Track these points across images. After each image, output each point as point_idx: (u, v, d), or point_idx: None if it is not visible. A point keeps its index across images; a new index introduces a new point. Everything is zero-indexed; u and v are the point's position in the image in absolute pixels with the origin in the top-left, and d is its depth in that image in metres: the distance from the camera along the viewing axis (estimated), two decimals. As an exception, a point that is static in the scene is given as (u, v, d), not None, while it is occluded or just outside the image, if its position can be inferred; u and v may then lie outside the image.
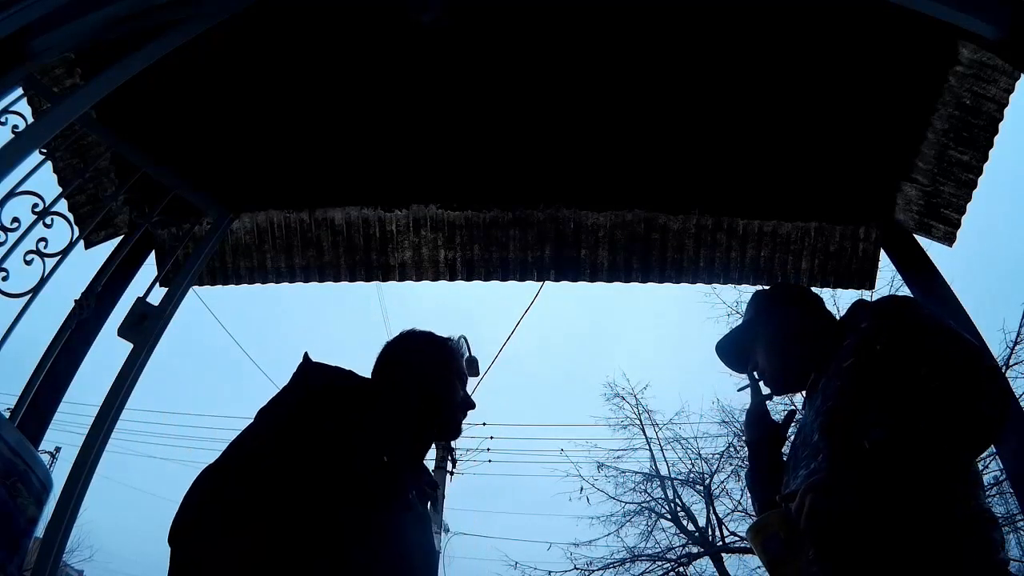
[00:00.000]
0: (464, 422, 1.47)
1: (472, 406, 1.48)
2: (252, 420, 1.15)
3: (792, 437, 1.43)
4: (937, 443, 1.04)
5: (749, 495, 1.51)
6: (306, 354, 1.30)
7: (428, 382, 1.38)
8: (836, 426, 1.20)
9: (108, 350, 2.51)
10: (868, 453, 1.06)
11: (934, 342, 1.14)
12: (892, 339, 1.19)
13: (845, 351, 1.28)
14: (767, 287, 1.69)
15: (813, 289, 1.76)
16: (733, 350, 1.61)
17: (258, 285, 2.95)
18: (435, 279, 2.90)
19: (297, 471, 1.02)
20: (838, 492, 1.07)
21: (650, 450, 11.62)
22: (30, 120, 1.90)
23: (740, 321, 1.64)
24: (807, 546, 1.10)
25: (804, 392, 1.45)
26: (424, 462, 1.42)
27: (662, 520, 11.03)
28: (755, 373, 1.56)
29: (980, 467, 1.24)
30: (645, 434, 11.81)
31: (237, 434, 1.12)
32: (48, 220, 2.06)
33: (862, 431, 1.11)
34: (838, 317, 1.51)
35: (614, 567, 10.61)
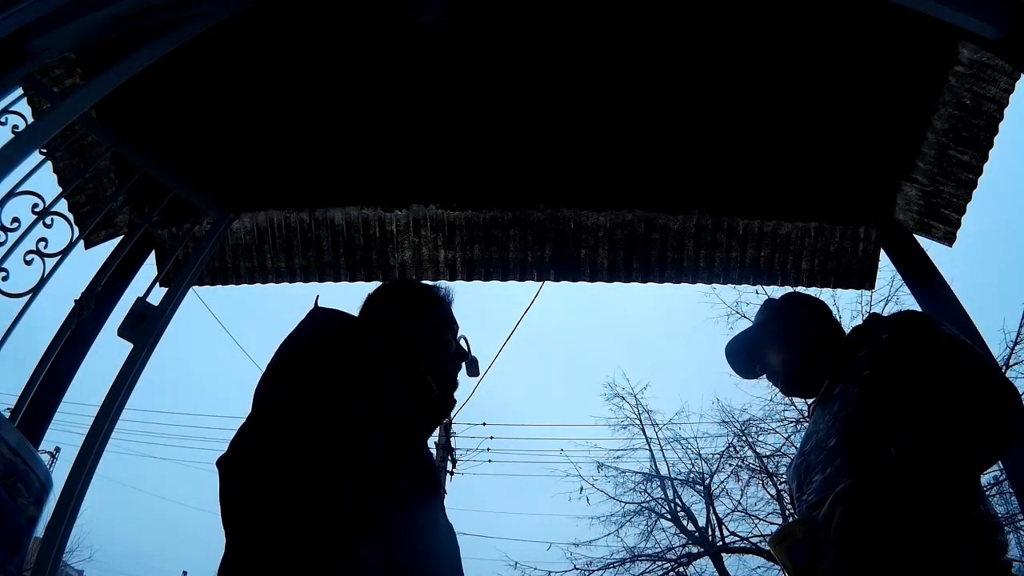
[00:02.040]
0: (460, 382, 1.33)
1: (466, 356, 1.35)
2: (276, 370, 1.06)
3: (801, 444, 1.44)
4: (956, 452, 1.09)
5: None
6: (317, 298, 1.24)
7: (416, 336, 1.26)
8: (855, 433, 1.23)
9: (108, 350, 2.52)
10: (892, 460, 1.09)
11: (951, 356, 1.19)
12: (911, 352, 1.23)
13: (862, 361, 1.31)
14: (780, 295, 1.71)
15: (814, 290, 1.78)
16: (743, 351, 1.60)
17: (259, 285, 2.96)
18: (435, 279, 2.90)
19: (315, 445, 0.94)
20: (867, 501, 1.09)
21: (650, 450, 11.62)
22: (30, 120, 1.90)
23: (750, 325, 1.65)
24: (830, 553, 1.12)
25: (809, 404, 1.49)
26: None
27: (662, 520, 11.02)
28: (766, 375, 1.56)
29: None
30: (645, 434, 11.81)
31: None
32: (48, 220, 2.06)
33: (882, 439, 1.15)
34: (842, 323, 1.54)
35: (614, 567, 10.60)
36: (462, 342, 1.37)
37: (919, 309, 2.46)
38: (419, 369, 1.24)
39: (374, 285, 1.45)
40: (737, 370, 1.62)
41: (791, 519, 1.29)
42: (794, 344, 1.47)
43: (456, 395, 1.34)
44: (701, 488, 10.95)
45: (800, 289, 2.31)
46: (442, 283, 1.41)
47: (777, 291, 2.01)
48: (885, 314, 1.45)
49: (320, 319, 1.18)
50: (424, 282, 1.42)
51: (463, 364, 1.36)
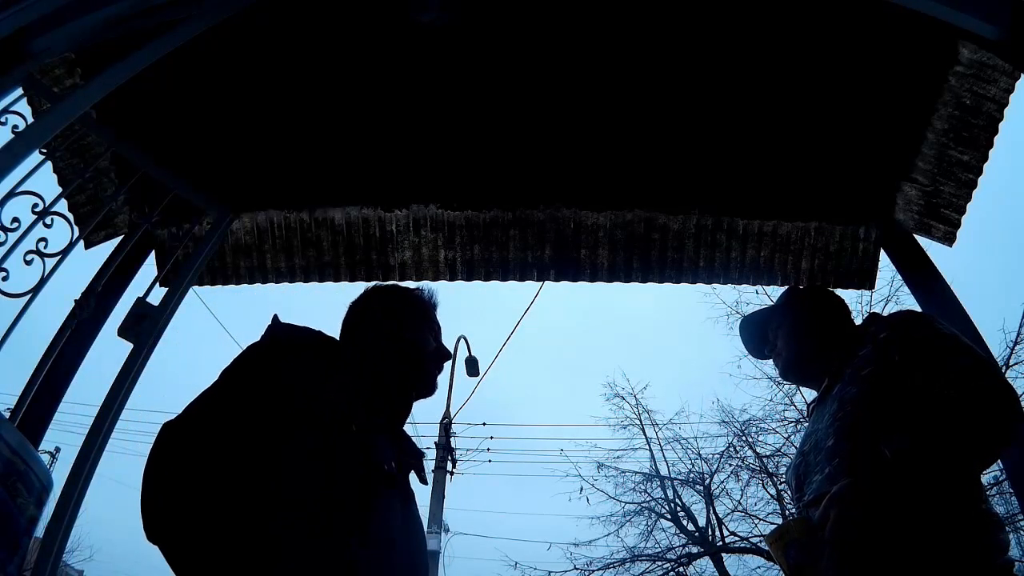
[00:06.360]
0: (440, 376, 1.37)
1: (446, 356, 1.37)
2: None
3: (800, 444, 1.44)
4: (953, 452, 1.08)
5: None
6: (275, 316, 1.26)
7: (396, 332, 1.30)
8: (854, 432, 1.23)
9: (108, 350, 2.51)
10: (889, 462, 1.09)
11: (950, 355, 1.18)
12: (910, 350, 1.23)
13: (862, 360, 1.31)
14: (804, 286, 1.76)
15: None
16: (756, 329, 1.65)
17: (259, 285, 2.95)
18: (435, 279, 2.90)
19: (252, 426, 1.03)
20: (862, 503, 1.09)
21: (650, 450, 11.62)
22: (30, 120, 1.90)
23: (769, 305, 1.69)
24: (826, 552, 1.12)
25: (808, 403, 1.50)
26: (404, 429, 1.32)
27: (662, 520, 11.02)
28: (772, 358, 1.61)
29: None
30: (645, 434, 11.81)
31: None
32: (48, 220, 2.06)
33: (881, 439, 1.14)
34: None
35: (614, 567, 10.60)
36: (462, 342, 1.41)
37: (919, 309, 2.46)
38: (413, 361, 1.29)
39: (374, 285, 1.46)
40: (746, 344, 1.68)
41: (790, 519, 1.30)
42: (807, 337, 1.50)
43: (433, 390, 1.36)
44: (701, 488, 10.95)
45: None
46: (425, 286, 1.45)
47: (777, 291, 2.02)
48: (885, 314, 1.46)
49: (285, 330, 1.23)
50: (407, 286, 1.45)
51: (443, 363, 1.38)
